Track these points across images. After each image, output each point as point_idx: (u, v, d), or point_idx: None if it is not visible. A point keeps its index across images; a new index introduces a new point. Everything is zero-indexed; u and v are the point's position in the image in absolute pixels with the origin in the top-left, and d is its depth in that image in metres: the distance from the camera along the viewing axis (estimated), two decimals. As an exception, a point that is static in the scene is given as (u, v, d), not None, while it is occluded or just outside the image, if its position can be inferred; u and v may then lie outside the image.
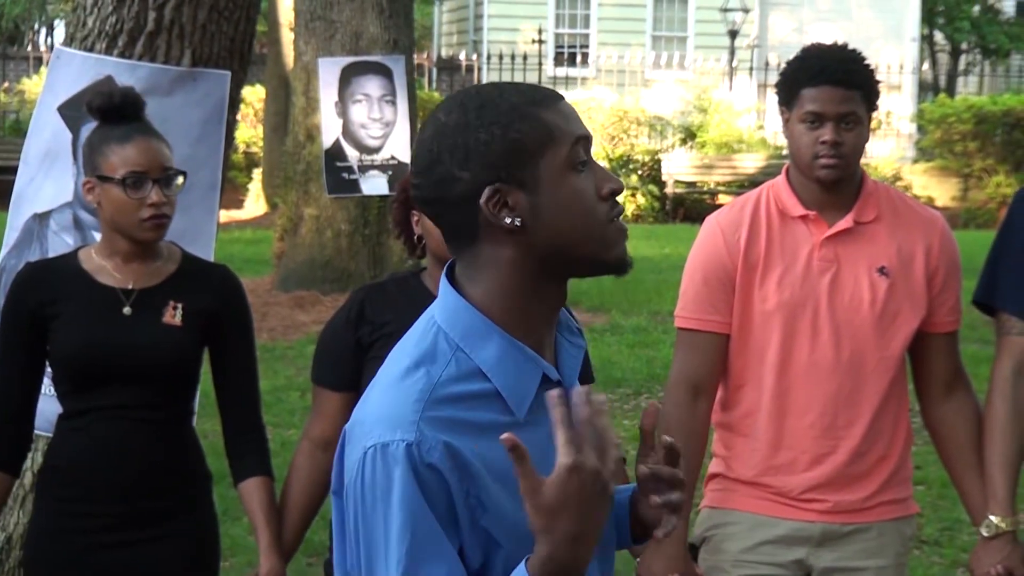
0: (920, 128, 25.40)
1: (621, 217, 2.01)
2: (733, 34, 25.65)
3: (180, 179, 3.27)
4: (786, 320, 3.34)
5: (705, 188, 22.64)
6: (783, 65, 3.53)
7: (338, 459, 1.99)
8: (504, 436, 1.78)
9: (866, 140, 3.36)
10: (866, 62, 3.38)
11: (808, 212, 3.37)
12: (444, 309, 1.96)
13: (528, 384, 1.94)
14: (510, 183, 1.91)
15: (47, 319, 3.27)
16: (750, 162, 22.84)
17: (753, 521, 3.42)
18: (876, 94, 3.36)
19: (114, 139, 3.23)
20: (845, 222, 3.36)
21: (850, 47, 3.41)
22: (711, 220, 3.47)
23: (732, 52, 25.78)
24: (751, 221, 3.39)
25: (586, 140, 1.97)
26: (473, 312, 1.93)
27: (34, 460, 3.83)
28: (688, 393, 3.40)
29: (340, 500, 1.99)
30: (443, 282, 1.98)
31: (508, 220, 1.91)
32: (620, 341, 11.60)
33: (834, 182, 3.34)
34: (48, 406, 3.41)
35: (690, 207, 22.23)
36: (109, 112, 3.26)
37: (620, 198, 2.03)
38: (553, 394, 1.81)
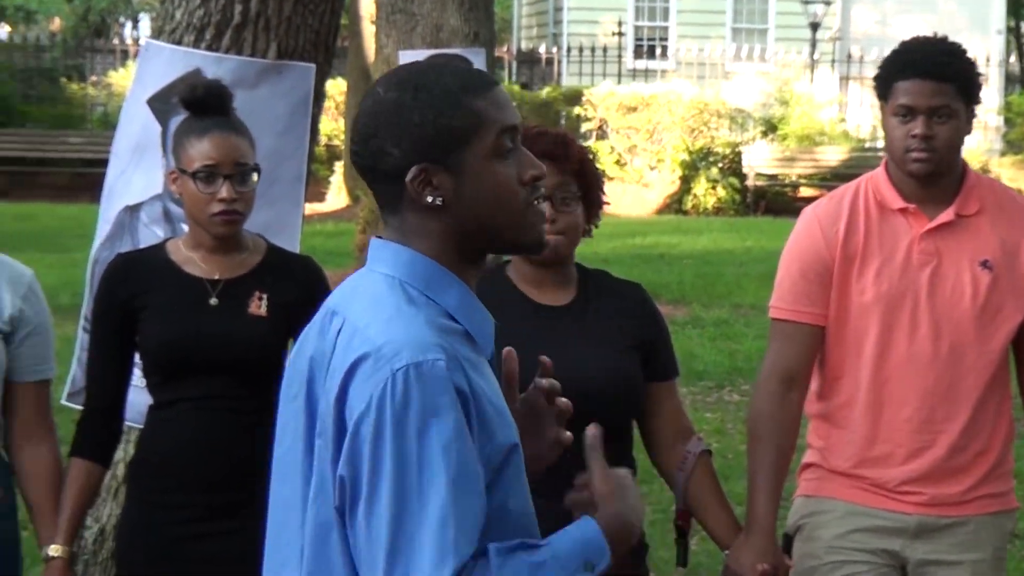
0: (1007, 121, 25.07)
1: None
2: (815, 26, 25.43)
3: (255, 176, 3.28)
4: (884, 313, 3.33)
5: (787, 181, 22.48)
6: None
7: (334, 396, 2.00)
8: (591, 433, 2.12)
9: (964, 134, 3.32)
10: (964, 55, 3.34)
11: (907, 205, 3.35)
12: (396, 263, 2.07)
13: (487, 327, 2.11)
14: (437, 164, 2.04)
15: (136, 310, 3.30)
16: (832, 155, 22.65)
17: (847, 509, 3.40)
18: (974, 87, 3.33)
19: (193, 133, 3.26)
20: (946, 215, 3.34)
21: (948, 40, 3.38)
22: (809, 212, 3.46)
23: (814, 44, 25.56)
24: (850, 213, 3.37)
25: (514, 128, 2.09)
26: (430, 262, 2.06)
27: (126, 452, 3.88)
28: (780, 384, 3.39)
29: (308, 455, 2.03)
30: (379, 243, 2.10)
31: (430, 199, 2.05)
32: (701, 334, 11.56)
33: (927, 176, 3.31)
34: (138, 398, 3.45)
35: (771, 200, 22.08)
36: (192, 104, 3.29)
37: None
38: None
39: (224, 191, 3.22)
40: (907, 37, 3.48)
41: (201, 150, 3.23)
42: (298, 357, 2.10)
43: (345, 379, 1.98)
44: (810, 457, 3.49)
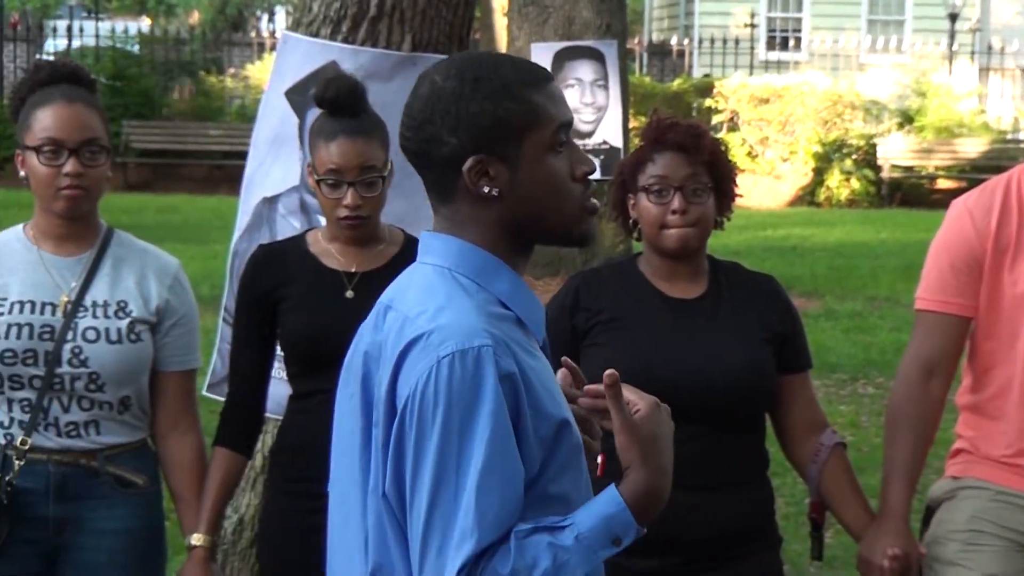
0: None
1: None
2: (953, 17, 25.00)
3: (382, 180, 3.27)
4: None
5: (923, 172, 22.13)
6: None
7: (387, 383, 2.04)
8: (608, 372, 2.04)
9: None
10: None
11: None
12: (447, 253, 2.10)
13: (538, 312, 2.14)
14: (493, 155, 2.07)
15: (277, 301, 3.34)
16: (972, 146, 22.24)
17: (997, 490, 3.33)
18: None
19: (323, 135, 3.27)
20: None
21: None
22: (959, 204, 3.41)
23: (952, 35, 25.13)
24: (1002, 205, 3.32)
25: (568, 124, 2.12)
26: (480, 251, 2.09)
27: (263, 442, 3.93)
28: (921, 373, 3.35)
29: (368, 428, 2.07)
30: (428, 235, 2.14)
31: (486, 189, 2.08)
32: (835, 326, 11.43)
33: None
34: (278, 389, 3.49)
35: (907, 192, 21.74)
36: (325, 103, 3.30)
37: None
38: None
39: (348, 198, 3.24)
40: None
41: (327, 155, 3.25)
42: (354, 354, 2.15)
43: (396, 366, 2.03)
44: (959, 445, 3.43)
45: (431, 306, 2.04)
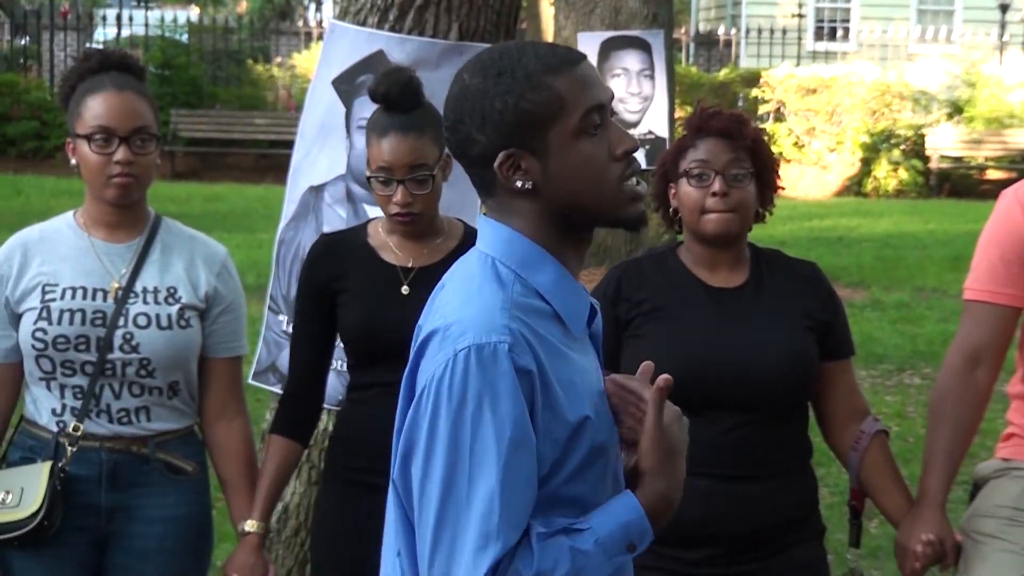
0: None
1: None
2: (1004, 8, 24.80)
3: (433, 178, 3.26)
4: None
5: (973, 163, 21.97)
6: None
7: (407, 379, 2.06)
8: (663, 376, 2.04)
9: None
10: None
11: None
12: (494, 241, 2.09)
13: (580, 306, 2.10)
14: (522, 149, 2.05)
15: (336, 293, 3.35)
16: (1022, 137, 22.07)
17: None
18: None
19: (376, 131, 3.28)
20: None
21: None
22: (1009, 194, 3.37)
23: (1003, 26, 24.92)
24: None
25: (600, 106, 2.07)
26: (525, 241, 2.08)
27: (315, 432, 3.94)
28: (967, 361, 3.33)
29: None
30: (482, 220, 2.13)
31: (519, 183, 2.06)
32: (882, 317, 11.38)
33: None
34: (334, 380, 3.49)
35: (956, 182, 21.60)
36: (378, 98, 3.30)
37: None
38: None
39: (398, 195, 3.25)
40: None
41: (378, 152, 3.26)
42: (416, 332, 2.13)
43: (418, 352, 2.04)
44: (1011, 430, 3.40)
45: (460, 296, 2.04)
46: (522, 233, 2.08)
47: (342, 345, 3.41)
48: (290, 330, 3.71)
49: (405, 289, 3.32)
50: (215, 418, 3.41)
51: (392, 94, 3.27)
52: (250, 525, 3.34)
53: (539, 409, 1.97)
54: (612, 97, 2.11)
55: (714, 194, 3.16)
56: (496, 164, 2.05)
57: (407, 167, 3.24)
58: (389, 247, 3.36)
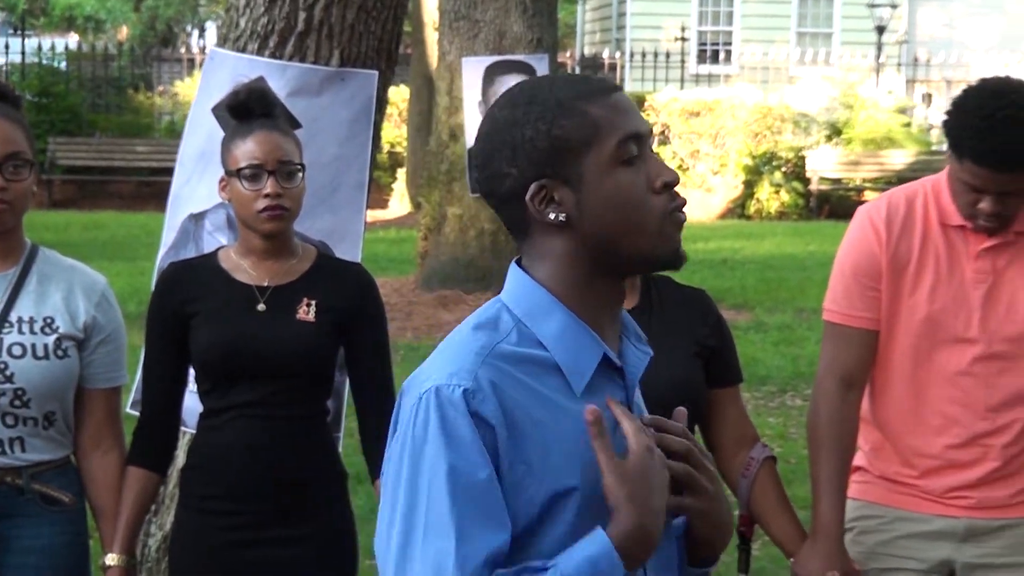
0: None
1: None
2: (880, 30, 25.26)
3: (301, 174, 3.30)
4: (935, 330, 3.27)
5: (851, 185, 22.34)
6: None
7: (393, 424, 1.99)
8: (589, 408, 1.88)
9: None
10: None
11: (966, 223, 3.25)
12: (510, 288, 1.99)
13: (587, 361, 1.96)
14: (555, 179, 1.94)
15: (188, 317, 3.33)
16: (898, 158, 22.49)
17: (894, 515, 3.37)
18: None
19: (238, 135, 3.29)
20: (1003, 234, 3.25)
21: None
22: (863, 213, 3.38)
23: (879, 48, 25.40)
24: (906, 219, 3.29)
25: (637, 135, 1.96)
26: (538, 289, 1.97)
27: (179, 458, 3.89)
28: (839, 385, 3.34)
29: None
30: (511, 268, 2.01)
31: (553, 216, 1.95)
32: (764, 339, 11.51)
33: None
34: (196, 404, 3.46)
35: (836, 204, 21.94)
36: (237, 109, 3.32)
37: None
38: (613, 402, 1.95)
39: (269, 186, 3.24)
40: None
41: (245, 149, 3.26)
42: None
43: (400, 396, 1.98)
44: (858, 460, 3.44)
45: (444, 343, 1.97)
46: (550, 278, 1.97)
47: (194, 372, 3.39)
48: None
49: (261, 307, 3.31)
50: (91, 448, 3.38)
51: (252, 99, 3.31)
52: (111, 559, 3.33)
53: (507, 462, 1.88)
54: (651, 129, 2.00)
55: None
56: (528, 196, 1.94)
57: (277, 160, 3.26)
58: (243, 268, 3.35)
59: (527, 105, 1.96)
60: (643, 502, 1.89)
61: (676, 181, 1.97)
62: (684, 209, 1.99)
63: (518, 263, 2.02)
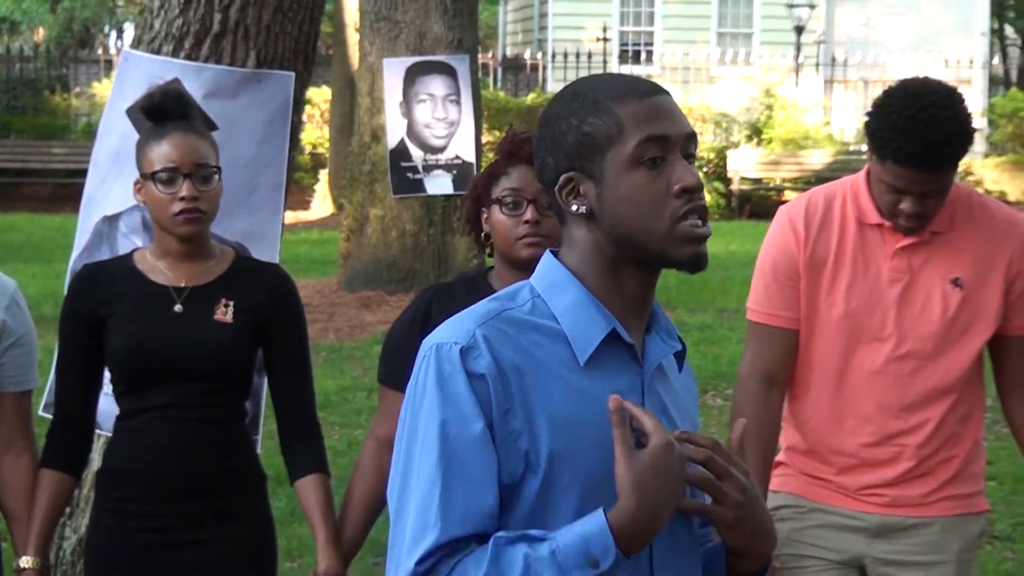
0: (990, 123, 25.14)
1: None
2: (799, 30, 25.49)
3: (217, 176, 3.27)
4: (852, 328, 3.31)
5: (771, 185, 22.52)
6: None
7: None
8: (612, 397, 1.97)
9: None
10: (965, 134, 3.17)
11: (883, 221, 3.29)
12: (537, 271, 2.12)
13: (594, 332, 2.05)
14: (582, 172, 2.06)
15: (102, 319, 3.29)
16: (817, 158, 22.70)
17: (810, 506, 3.41)
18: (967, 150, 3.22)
19: (153, 138, 3.26)
20: (920, 234, 3.29)
21: (950, 118, 3.15)
22: (782, 212, 3.42)
23: (798, 48, 25.62)
24: (824, 218, 3.33)
25: (661, 138, 2.03)
26: (561, 269, 2.09)
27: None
28: (761, 384, 3.38)
29: None
30: (545, 253, 2.14)
31: (575, 207, 2.06)
32: (686, 338, 11.35)
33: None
34: (111, 407, 3.43)
35: (756, 204, 22.13)
36: (152, 111, 3.29)
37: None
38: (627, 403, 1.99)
39: (185, 189, 3.21)
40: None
41: (160, 152, 3.23)
42: None
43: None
44: (779, 456, 3.49)
45: (466, 310, 2.08)
46: (577, 264, 2.08)
47: (109, 374, 3.35)
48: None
49: (178, 307, 3.28)
50: (2, 452, 3.34)
51: (167, 101, 3.28)
52: (25, 561, 3.29)
53: (498, 413, 1.97)
54: (686, 134, 2.07)
55: (526, 222, 3.18)
56: (556, 187, 2.08)
57: (193, 163, 3.23)
58: (159, 269, 3.32)
59: (570, 101, 2.08)
60: (648, 493, 1.95)
61: (696, 187, 2.04)
62: (703, 215, 2.05)
63: (553, 253, 2.13)
